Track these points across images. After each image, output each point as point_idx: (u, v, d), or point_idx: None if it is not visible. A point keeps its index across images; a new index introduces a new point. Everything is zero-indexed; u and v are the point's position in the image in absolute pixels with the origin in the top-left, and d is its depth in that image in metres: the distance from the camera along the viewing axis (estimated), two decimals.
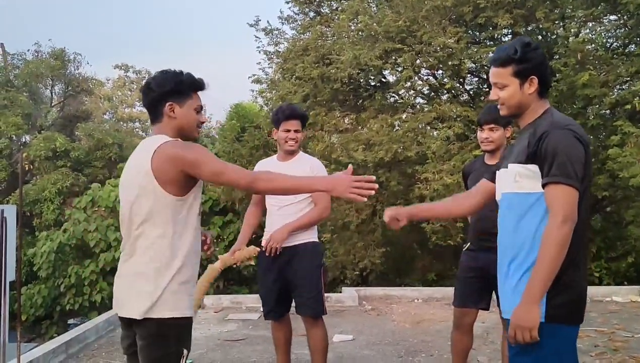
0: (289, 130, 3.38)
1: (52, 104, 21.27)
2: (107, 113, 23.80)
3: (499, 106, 2.03)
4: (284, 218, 3.33)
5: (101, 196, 12.24)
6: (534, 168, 1.84)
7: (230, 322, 5.80)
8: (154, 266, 2.01)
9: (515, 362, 1.89)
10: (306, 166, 3.39)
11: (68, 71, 20.44)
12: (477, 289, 3.18)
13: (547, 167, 1.81)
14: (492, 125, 3.17)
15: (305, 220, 3.33)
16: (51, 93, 21.31)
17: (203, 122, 2.22)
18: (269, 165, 3.48)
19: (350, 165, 2.10)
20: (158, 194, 1.99)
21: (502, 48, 2.00)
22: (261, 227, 3.56)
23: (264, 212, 3.56)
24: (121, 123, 22.49)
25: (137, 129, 22.87)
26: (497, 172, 2.08)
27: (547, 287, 1.78)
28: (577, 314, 1.86)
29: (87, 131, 17.34)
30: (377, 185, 2.15)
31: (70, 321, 11.17)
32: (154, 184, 1.99)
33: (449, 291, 6.59)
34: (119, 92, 23.61)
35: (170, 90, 2.10)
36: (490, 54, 9.29)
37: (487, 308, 3.24)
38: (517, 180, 1.89)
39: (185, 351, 2.04)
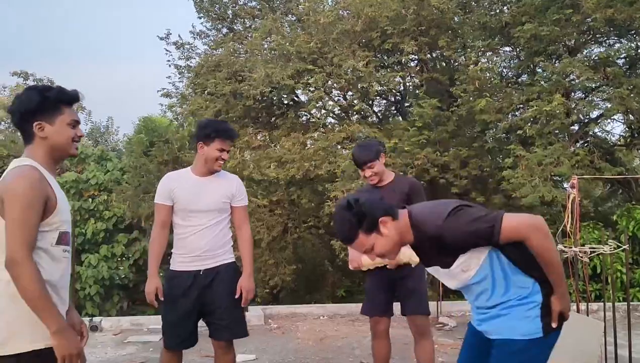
0: (223, 150, 3.15)
1: None
2: (2, 123, 22.23)
3: (382, 259, 2.15)
4: (204, 239, 3.12)
5: None
6: (463, 257, 1.99)
7: (129, 344, 5.54)
8: (9, 292, 1.86)
9: None
10: (231, 186, 3.23)
11: None
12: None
13: (480, 241, 1.95)
14: (369, 164, 3.42)
15: (252, 255, 3.27)
16: None
17: (81, 136, 2.08)
18: (182, 180, 3.22)
19: None
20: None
21: (338, 230, 2.06)
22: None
23: (170, 232, 3.29)
24: (18, 134, 21.05)
25: None
26: (434, 271, 2.17)
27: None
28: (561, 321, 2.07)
29: None
30: None
31: None
32: None
33: (354, 307, 6.72)
34: None
35: (36, 109, 1.95)
36: (398, 78, 9.77)
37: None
38: (465, 270, 2.02)
39: None
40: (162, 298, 3.13)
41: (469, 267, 2.01)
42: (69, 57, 46.50)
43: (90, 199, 11.86)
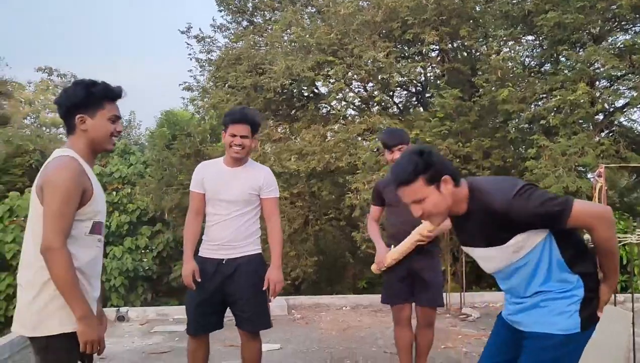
0: (234, 135, 3.12)
1: None
2: (28, 117, 22.64)
3: (426, 219, 2.04)
4: (227, 229, 3.15)
5: (20, 205, 11.60)
6: (522, 235, 1.94)
7: (155, 334, 5.65)
8: (42, 278, 1.97)
9: None
10: (259, 177, 3.20)
11: None
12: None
13: (545, 224, 1.92)
14: (400, 146, 3.49)
15: (280, 248, 3.24)
16: None
17: (120, 132, 2.16)
18: (213, 169, 3.26)
19: None
20: (38, 209, 2.00)
21: (399, 168, 1.97)
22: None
23: (203, 219, 3.33)
24: (44, 128, 21.44)
25: (61, 135, 21.87)
26: (470, 251, 2.13)
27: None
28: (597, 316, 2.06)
29: (5, 136, 16.35)
30: None
31: None
32: (36, 200, 2.01)
33: (376, 298, 6.73)
34: (42, 96, 22.51)
35: (80, 102, 2.06)
36: (419, 69, 9.71)
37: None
38: (516, 251, 1.98)
39: None
40: (199, 280, 3.15)
41: (521, 248, 1.96)
42: (90, 52, 47.10)
43: (114, 192, 12.04)
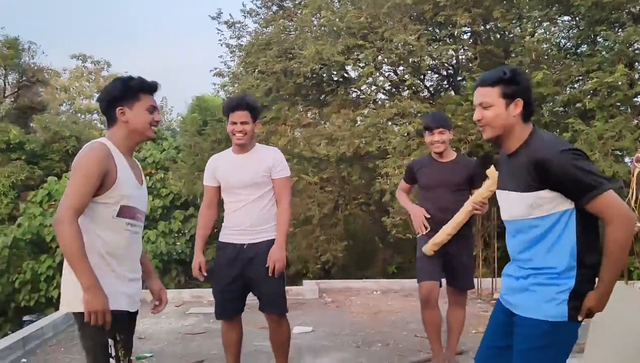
0: (235, 123, 3.19)
1: (5, 95, 20.54)
2: (64, 104, 23.17)
3: (480, 127, 2.08)
4: (246, 215, 3.20)
5: (58, 190, 11.98)
6: (549, 193, 1.92)
7: (191, 316, 5.81)
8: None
9: (532, 357, 1.98)
10: (268, 159, 3.24)
11: (22, 60, 19.78)
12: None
13: (573, 190, 1.90)
14: (441, 129, 3.55)
15: (285, 228, 3.24)
16: (4, 83, 20.56)
17: (158, 121, 2.28)
18: (223, 159, 3.34)
19: None
20: None
21: (489, 72, 2.09)
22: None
23: (218, 212, 3.42)
24: (79, 115, 21.92)
25: (95, 121, 22.38)
26: (500, 194, 2.14)
27: None
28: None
29: (43, 123, 16.83)
30: None
31: (25, 318, 10.88)
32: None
33: (407, 283, 6.77)
34: (77, 82, 22.97)
35: (119, 95, 2.20)
36: (451, 52, 9.55)
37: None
38: (534, 207, 1.96)
39: (111, 341, 2.10)
40: (204, 274, 3.27)
41: (540, 206, 1.95)
42: (122, 38, 47.74)
43: (147, 177, 12.31)
